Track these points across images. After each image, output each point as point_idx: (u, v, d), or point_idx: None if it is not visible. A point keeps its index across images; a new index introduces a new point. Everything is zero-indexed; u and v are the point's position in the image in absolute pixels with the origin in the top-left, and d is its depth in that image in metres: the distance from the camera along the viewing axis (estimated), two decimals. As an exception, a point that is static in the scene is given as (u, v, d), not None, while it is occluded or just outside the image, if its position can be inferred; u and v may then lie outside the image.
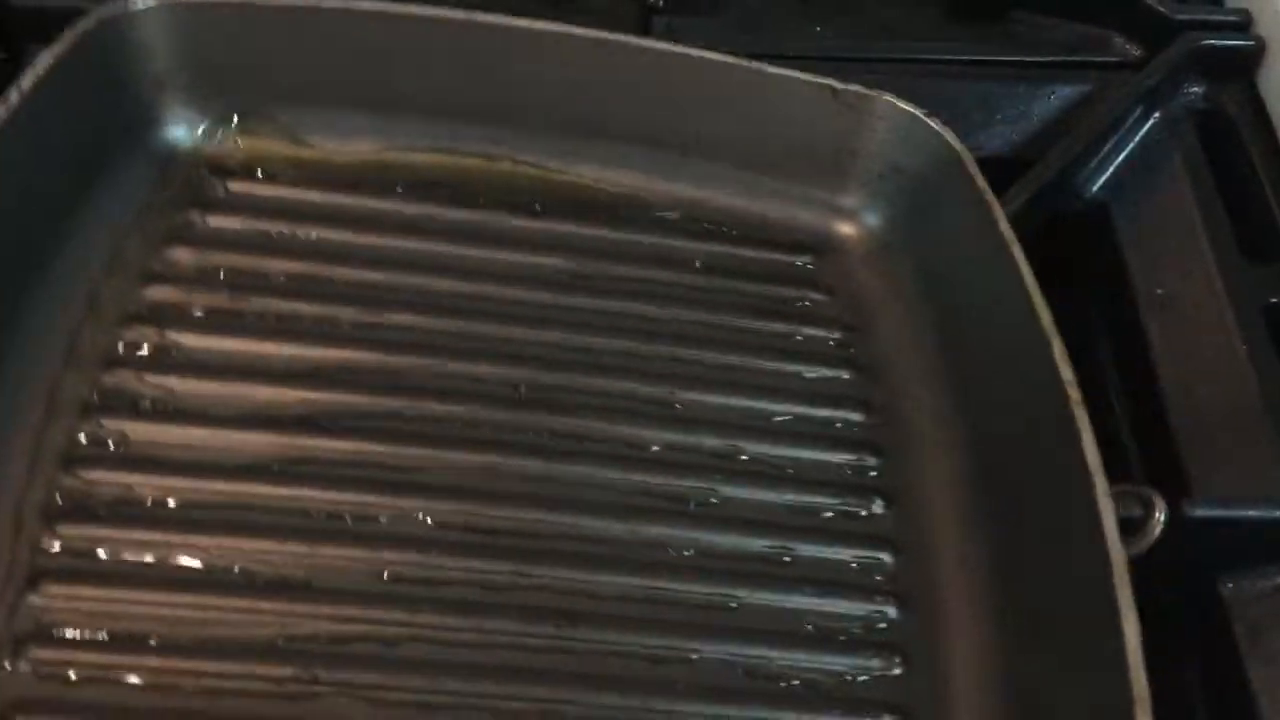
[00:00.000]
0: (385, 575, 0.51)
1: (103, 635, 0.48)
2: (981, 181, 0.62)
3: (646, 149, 0.67)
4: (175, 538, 0.51)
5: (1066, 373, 0.54)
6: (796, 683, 0.51)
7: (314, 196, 0.63)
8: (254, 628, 0.49)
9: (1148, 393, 0.59)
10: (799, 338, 0.63)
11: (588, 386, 0.59)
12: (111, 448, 0.52)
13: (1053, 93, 0.69)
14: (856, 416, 0.60)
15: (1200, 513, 0.53)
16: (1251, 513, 0.53)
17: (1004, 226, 0.60)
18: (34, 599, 0.48)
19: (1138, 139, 0.68)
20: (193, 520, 0.51)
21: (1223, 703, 0.53)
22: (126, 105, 0.63)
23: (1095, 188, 0.68)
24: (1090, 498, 0.49)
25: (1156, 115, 0.68)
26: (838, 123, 0.66)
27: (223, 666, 0.48)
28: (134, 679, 0.47)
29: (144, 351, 0.56)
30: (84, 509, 0.51)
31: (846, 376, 0.62)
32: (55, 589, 0.48)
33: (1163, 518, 0.50)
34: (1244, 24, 0.69)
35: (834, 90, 0.64)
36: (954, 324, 0.63)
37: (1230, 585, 0.53)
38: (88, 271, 0.59)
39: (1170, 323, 0.60)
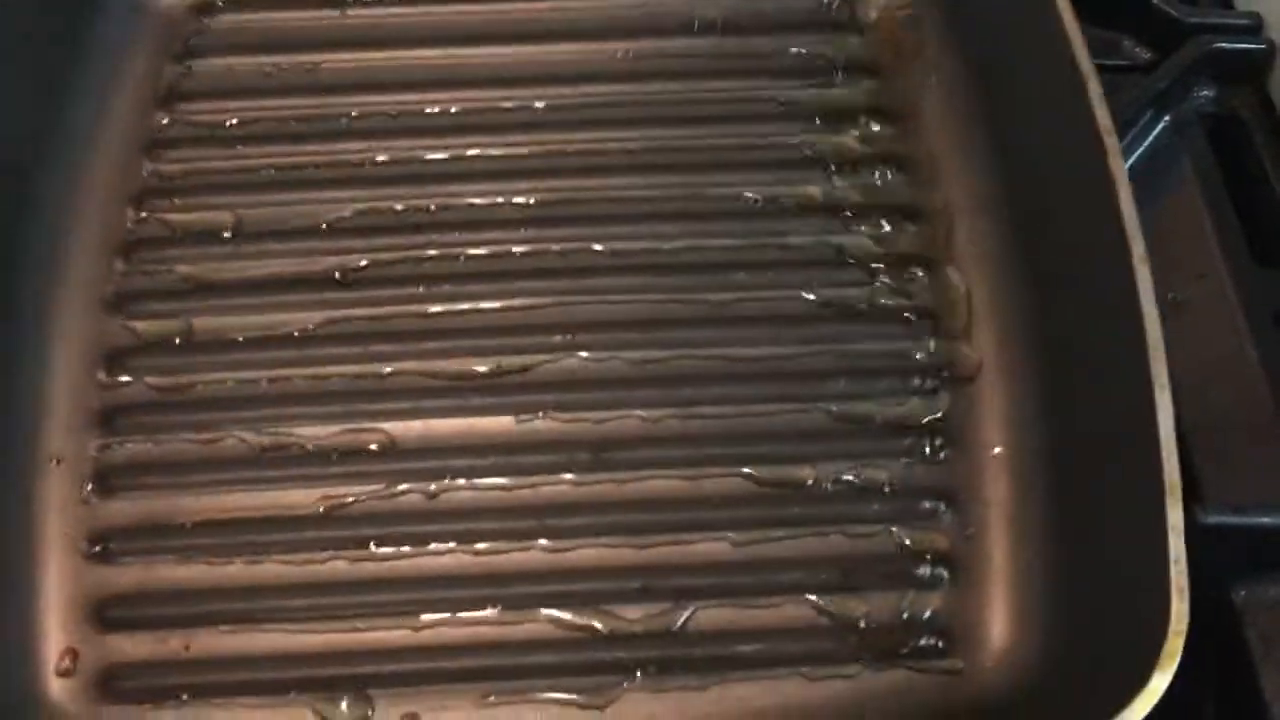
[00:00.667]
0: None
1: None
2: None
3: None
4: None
5: (1104, 119, 0.53)
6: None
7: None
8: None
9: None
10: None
11: (607, 186, 0.61)
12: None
13: (1061, 96, 0.69)
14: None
15: (1213, 520, 0.53)
16: (1265, 520, 0.53)
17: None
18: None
19: (1147, 143, 0.67)
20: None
21: (1235, 711, 0.52)
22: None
23: (1104, 192, 0.69)
24: (1128, 267, 0.50)
25: (1166, 119, 0.67)
26: None
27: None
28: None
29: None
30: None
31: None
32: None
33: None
34: (1255, 27, 0.69)
35: None
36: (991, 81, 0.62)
37: (1243, 593, 0.53)
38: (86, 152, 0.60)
39: (1181, 328, 0.58)
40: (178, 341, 0.57)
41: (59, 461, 0.54)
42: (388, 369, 0.57)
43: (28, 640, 0.51)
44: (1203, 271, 0.62)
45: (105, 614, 0.52)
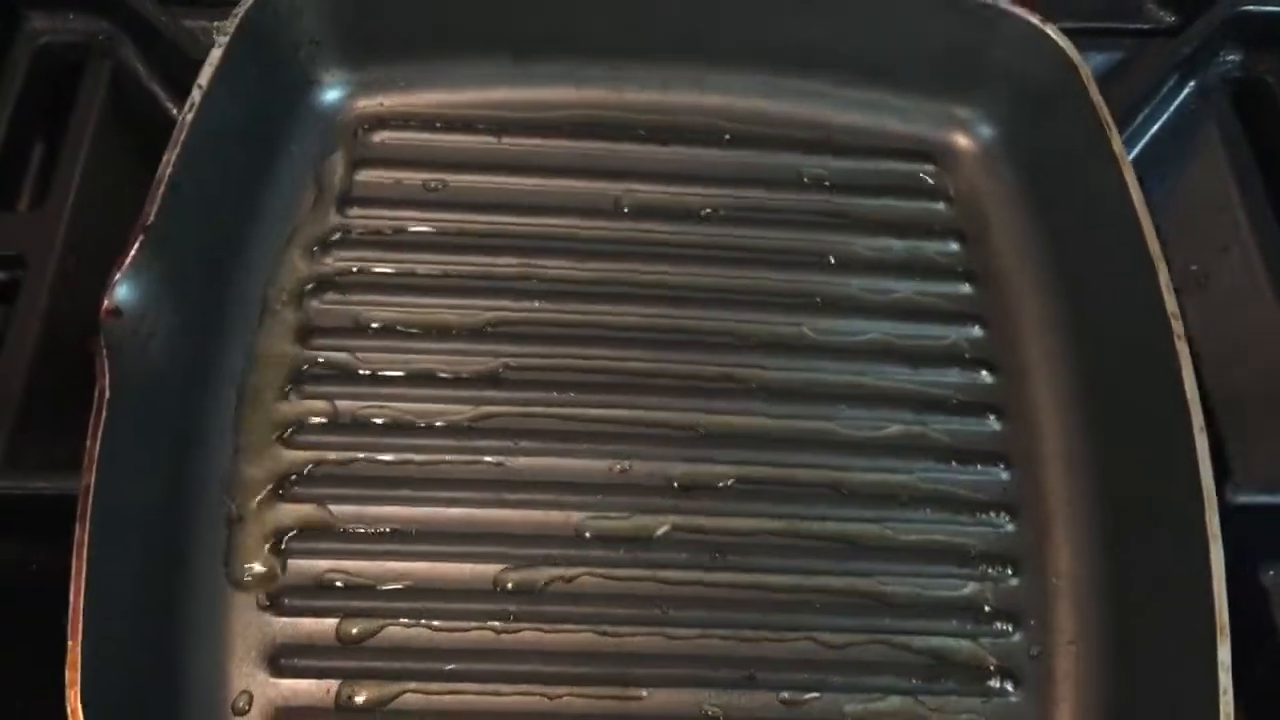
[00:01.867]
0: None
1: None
2: (1096, 94, 0.63)
3: (768, 73, 0.75)
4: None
5: (1170, 304, 0.56)
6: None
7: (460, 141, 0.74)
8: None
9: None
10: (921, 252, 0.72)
11: (724, 321, 0.69)
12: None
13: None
14: (975, 332, 0.69)
15: (1242, 499, 0.54)
16: (1295, 498, 0.53)
17: (1116, 143, 0.61)
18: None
19: (1172, 109, 0.66)
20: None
21: (1263, 691, 0.54)
22: (286, 76, 0.71)
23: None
24: (1188, 434, 0.53)
25: (1191, 84, 0.66)
26: (959, 32, 0.71)
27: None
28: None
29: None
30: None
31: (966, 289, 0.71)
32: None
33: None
34: (1284, -10, 0.68)
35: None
36: (1064, 235, 0.68)
37: (1272, 573, 0.53)
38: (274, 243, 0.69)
39: (1206, 300, 0.58)
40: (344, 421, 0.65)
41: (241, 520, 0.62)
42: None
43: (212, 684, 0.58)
44: (1226, 244, 0.60)
45: (278, 661, 0.59)
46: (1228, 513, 0.51)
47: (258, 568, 0.61)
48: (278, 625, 0.60)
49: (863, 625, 0.62)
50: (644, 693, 0.59)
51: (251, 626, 0.59)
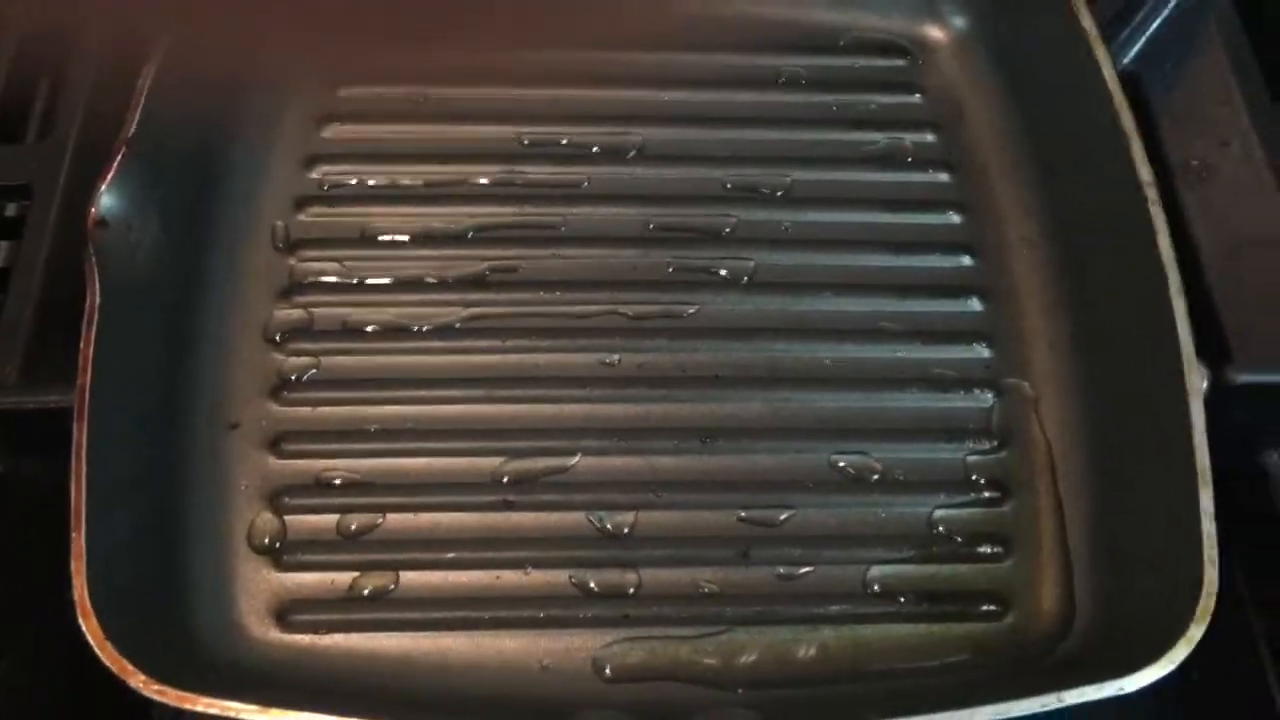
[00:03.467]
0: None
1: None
2: None
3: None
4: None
5: (1145, 173, 0.58)
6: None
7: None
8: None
9: (1188, 263, 0.59)
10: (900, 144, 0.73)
11: (706, 217, 0.70)
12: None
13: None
14: (955, 219, 0.71)
15: (1243, 378, 0.54)
16: (1295, 378, 0.54)
17: (1086, 19, 0.63)
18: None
19: (1170, 6, 0.67)
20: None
21: (1264, 575, 0.55)
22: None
23: (1126, 59, 0.70)
24: (1166, 298, 0.54)
25: None
26: None
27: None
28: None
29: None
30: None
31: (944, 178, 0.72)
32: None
33: (1205, 385, 0.54)
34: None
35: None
36: (1039, 121, 0.70)
37: (1275, 456, 0.54)
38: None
39: (1207, 192, 0.59)
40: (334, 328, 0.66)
41: (236, 426, 0.63)
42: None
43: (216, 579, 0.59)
44: (1227, 138, 0.60)
45: (281, 557, 0.60)
46: (1229, 394, 0.52)
47: (255, 471, 0.62)
48: (278, 523, 0.61)
49: (853, 500, 0.63)
50: (640, 574, 0.61)
51: (253, 525, 0.61)
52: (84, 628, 0.49)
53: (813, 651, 0.59)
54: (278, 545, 0.60)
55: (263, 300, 0.66)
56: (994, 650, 0.60)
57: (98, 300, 0.57)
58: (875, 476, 0.64)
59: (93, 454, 0.53)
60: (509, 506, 0.62)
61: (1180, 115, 0.58)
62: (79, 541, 0.51)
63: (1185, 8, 0.68)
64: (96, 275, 0.57)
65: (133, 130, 0.61)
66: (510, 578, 0.60)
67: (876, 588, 0.61)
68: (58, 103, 0.73)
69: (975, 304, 0.69)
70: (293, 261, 0.68)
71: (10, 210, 0.72)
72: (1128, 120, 0.65)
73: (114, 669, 0.49)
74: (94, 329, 0.56)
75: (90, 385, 0.54)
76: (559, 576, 0.60)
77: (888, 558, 0.62)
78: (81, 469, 0.52)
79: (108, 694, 0.58)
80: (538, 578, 0.60)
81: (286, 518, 0.61)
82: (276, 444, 0.63)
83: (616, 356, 0.66)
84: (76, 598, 0.50)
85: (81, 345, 0.56)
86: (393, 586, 0.60)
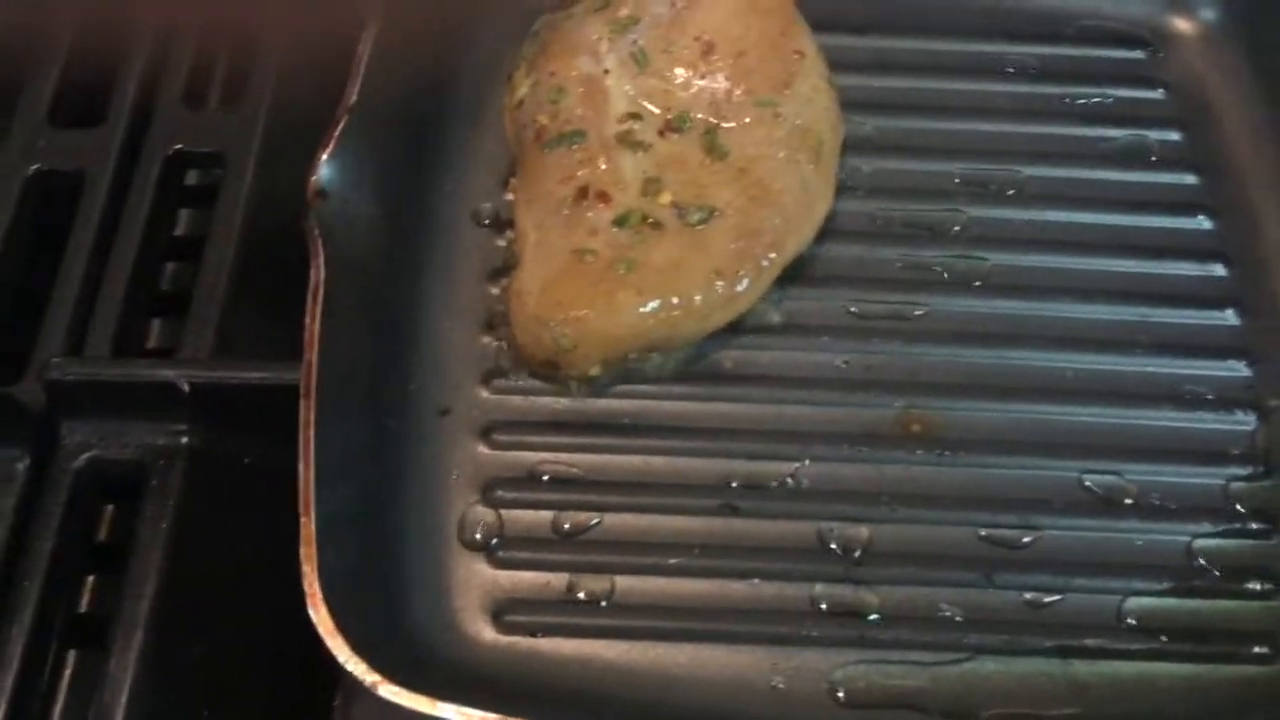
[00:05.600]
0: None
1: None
2: None
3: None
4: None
5: None
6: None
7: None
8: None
9: None
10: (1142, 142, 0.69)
11: (939, 213, 0.66)
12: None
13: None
14: (1205, 224, 0.66)
15: None
16: None
17: None
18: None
19: None
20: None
21: None
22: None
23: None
24: None
25: None
26: None
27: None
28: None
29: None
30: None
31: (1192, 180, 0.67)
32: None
33: None
34: None
35: None
36: None
37: None
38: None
39: None
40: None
41: (447, 413, 0.60)
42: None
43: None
44: None
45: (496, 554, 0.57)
46: None
47: (466, 460, 0.59)
48: (492, 517, 0.57)
49: (1104, 525, 0.58)
50: (877, 592, 0.56)
51: (465, 517, 0.57)
52: (314, 618, 0.47)
53: (1064, 688, 0.55)
54: (492, 541, 0.57)
55: (474, 282, 0.63)
56: (1266, 697, 0.55)
57: (322, 274, 0.54)
58: (1129, 500, 0.59)
59: (318, 432, 0.51)
60: (734, 513, 0.58)
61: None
62: (308, 526, 0.48)
63: None
64: (321, 248, 0.55)
65: (355, 98, 0.59)
66: (737, 589, 0.56)
67: (1133, 621, 0.56)
68: (249, 69, 0.71)
69: (1231, 317, 0.64)
70: (502, 242, 0.65)
71: (191, 178, 0.71)
72: None
73: (345, 663, 0.46)
74: (319, 304, 0.53)
75: (317, 361, 0.52)
76: (790, 590, 0.56)
77: (1145, 589, 0.57)
78: (310, 449, 0.50)
79: (295, 672, 0.57)
80: (766, 590, 0.56)
81: (500, 511, 0.58)
82: (488, 433, 0.60)
83: (845, 359, 0.63)
84: (306, 586, 0.47)
85: (308, 320, 0.53)
86: (611, 591, 0.56)
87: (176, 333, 0.66)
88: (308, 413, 0.51)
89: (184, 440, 0.61)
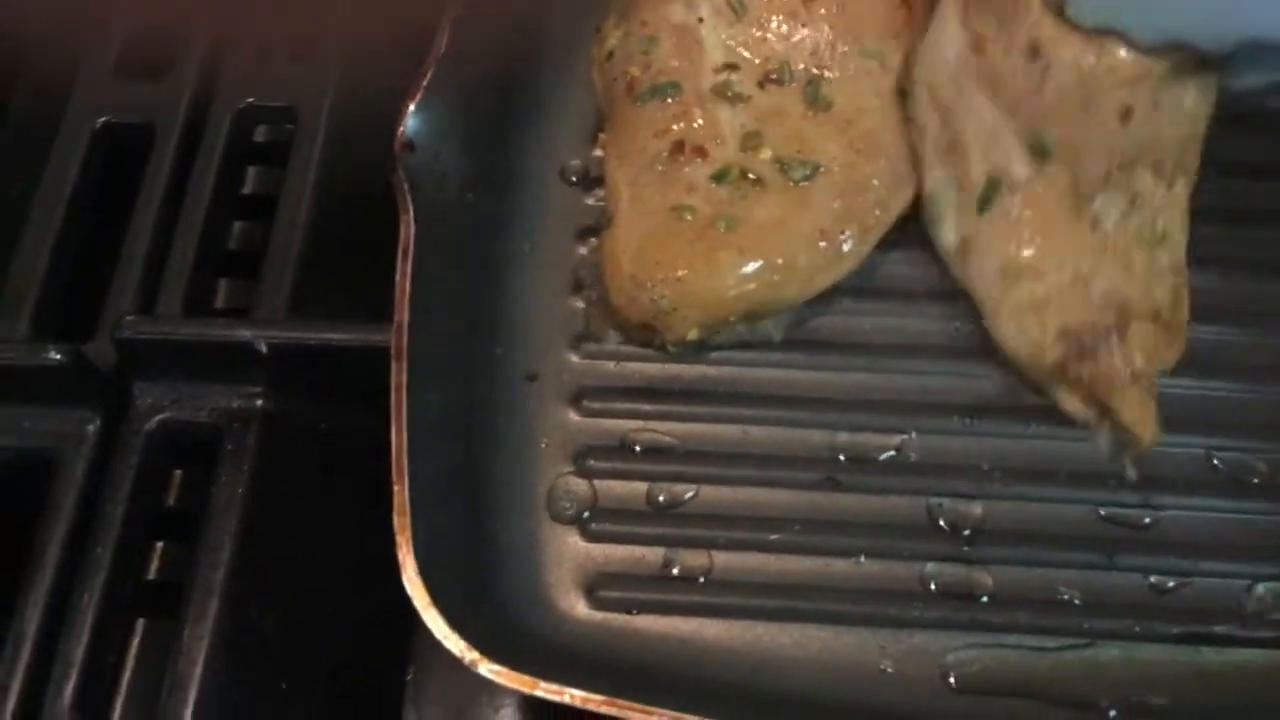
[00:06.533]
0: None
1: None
2: None
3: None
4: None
5: None
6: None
7: None
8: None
9: None
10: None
11: None
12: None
13: None
14: None
15: None
16: None
17: None
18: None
19: None
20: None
21: None
22: None
23: None
24: None
25: None
26: None
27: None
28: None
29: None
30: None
31: None
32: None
33: None
34: None
35: None
36: None
37: None
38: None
39: None
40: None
41: (535, 378, 0.58)
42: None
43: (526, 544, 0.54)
44: None
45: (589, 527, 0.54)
46: None
47: (556, 428, 0.56)
48: (584, 487, 0.55)
49: (1232, 505, 0.55)
50: (991, 572, 0.53)
51: (555, 486, 0.55)
52: (410, 591, 0.44)
53: (1191, 677, 0.52)
54: (584, 513, 0.54)
55: (562, 241, 0.60)
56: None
57: (413, 229, 0.52)
58: (1256, 480, 0.55)
59: (410, 396, 0.48)
60: (837, 486, 0.55)
61: None
62: (402, 494, 0.46)
63: None
64: (411, 202, 0.52)
65: (444, 47, 0.56)
66: (842, 567, 0.53)
67: (1262, 607, 0.53)
68: (316, 22, 0.69)
69: (1360, 285, 0.61)
70: (590, 200, 0.62)
71: (260, 135, 0.69)
72: None
73: (443, 639, 0.43)
74: (409, 261, 0.51)
75: (409, 322, 0.49)
76: (898, 569, 0.53)
77: (1274, 573, 0.53)
78: (402, 412, 0.47)
79: (369, 645, 0.55)
80: (873, 569, 0.53)
81: (593, 482, 0.55)
82: (578, 400, 0.57)
83: (954, 325, 0.59)
84: (401, 557, 0.45)
85: (398, 279, 0.50)
86: (709, 567, 0.54)
87: (247, 293, 0.64)
88: (400, 375, 0.48)
89: (259, 404, 0.58)
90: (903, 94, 0.60)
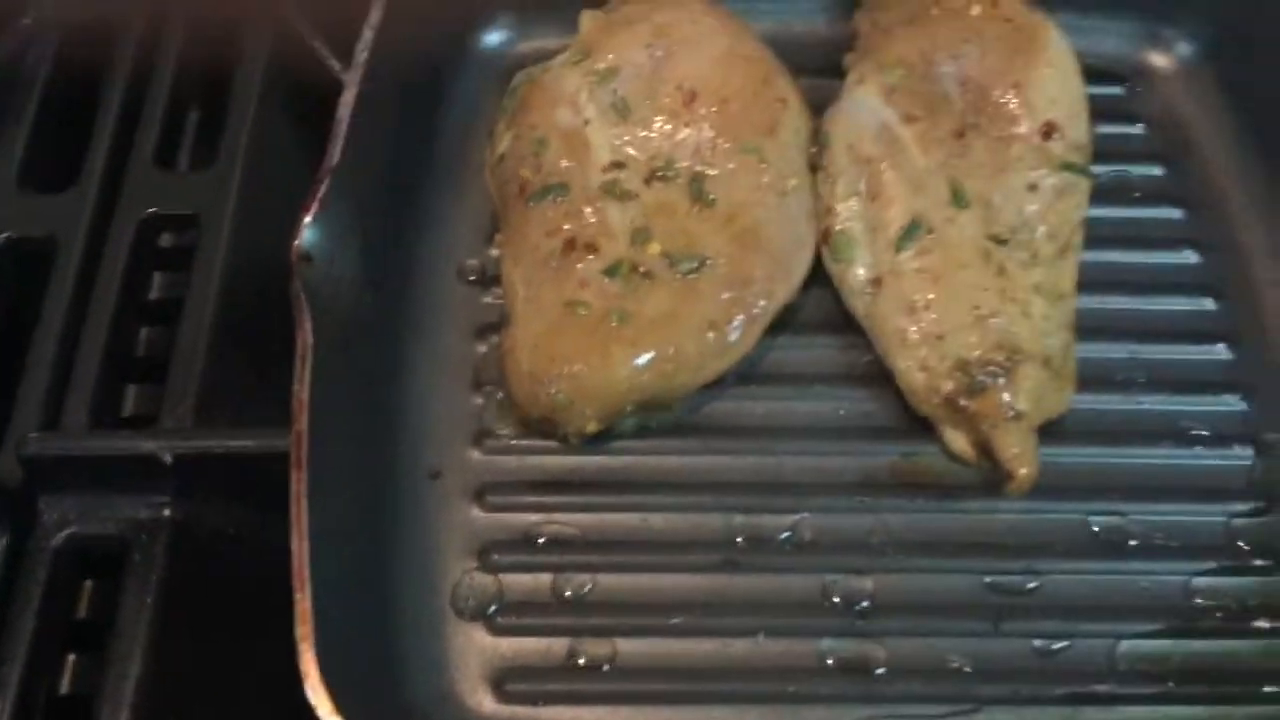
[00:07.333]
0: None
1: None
2: None
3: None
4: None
5: None
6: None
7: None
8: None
9: None
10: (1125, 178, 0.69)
11: None
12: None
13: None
14: (1192, 258, 0.66)
15: None
16: None
17: None
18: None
19: None
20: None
21: None
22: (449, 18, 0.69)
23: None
24: None
25: None
26: None
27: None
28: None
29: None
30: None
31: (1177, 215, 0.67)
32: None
33: None
34: None
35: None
36: None
37: None
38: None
39: None
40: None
41: (438, 476, 0.59)
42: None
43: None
44: None
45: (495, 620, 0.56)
46: None
47: (460, 524, 0.57)
48: (488, 582, 0.56)
49: (1108, 567, 0.57)
50: (884, 645, 0.55)
51: (460, 583, 0.56)
52: (312, 699, 0.45)
53: (1077, 736, 0.54)
54: (490, 608, 0.56)
55: (462, 340, 0.62)
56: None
57: (310, 339, 0.53)
58: (1133, 541, 0.58)
59: (311, 504, 0.49)
60: (735, 568, 0.57)
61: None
62: (304, 603, 0.46)
63: None
64: (307, 312, 0.54)
65: (337, 158, 0.58)
66: (741, 647, 0.55)
67: (1140, 665, 0.55)
68: (221, 128, 0.70)
69: (1223, 351, 0.64)
70: (488, 299, 0.64)
71: (165, 240, 0.69)
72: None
73: (346, 748, 0.44)
74: (307, 370, 0.52)
75: (308, 430, 0.50)
76: (795, 647, 0.55)
77: (1149, 631, 0.56)
78: (303, 521, 0.48)
79: None
80: (771, 648, 0.55)
81: (498, 576, 0.56)
82: (481, 495, 0.58)
83: (841, 407, 0.61)
84: (303, 665, 0.46)
85: (296, 387, 0.52)
86: (613, 654, 0.55)
87: (155, 399, 0.64)
88: (299, 484, 0.49)
89: (166, 513, 0.59)
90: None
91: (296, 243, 0.56)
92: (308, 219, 0.56)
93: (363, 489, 0.56)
